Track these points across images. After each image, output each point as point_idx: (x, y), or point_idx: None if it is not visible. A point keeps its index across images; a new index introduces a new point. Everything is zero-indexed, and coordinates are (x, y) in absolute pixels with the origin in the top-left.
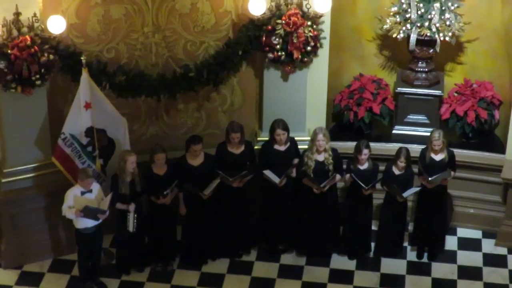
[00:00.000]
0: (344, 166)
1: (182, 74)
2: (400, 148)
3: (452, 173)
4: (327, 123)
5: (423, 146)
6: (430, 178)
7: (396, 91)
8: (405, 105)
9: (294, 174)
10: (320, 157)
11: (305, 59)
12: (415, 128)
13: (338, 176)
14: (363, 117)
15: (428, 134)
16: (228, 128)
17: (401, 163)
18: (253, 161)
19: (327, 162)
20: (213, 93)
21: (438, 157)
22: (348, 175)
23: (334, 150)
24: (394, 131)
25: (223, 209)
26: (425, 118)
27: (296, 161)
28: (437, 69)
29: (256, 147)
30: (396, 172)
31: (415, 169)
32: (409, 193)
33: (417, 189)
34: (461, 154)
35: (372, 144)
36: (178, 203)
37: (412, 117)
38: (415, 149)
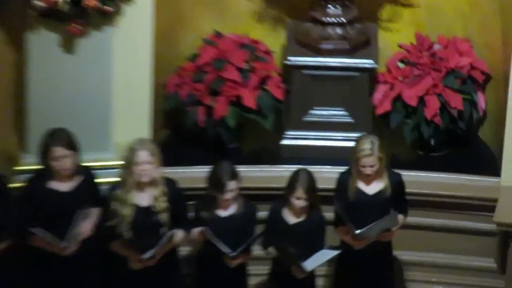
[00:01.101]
0: (192, 214)
1: None
2: (297, 173)
3: (401, 218)
4: (156, 132)
5: (342, 169)
6: (358, 231)
7: (287, 63)
8: (305, 91)
9: (86, 232)
10: (144, 199)
11: (108, 8)
12: (325, 134)
13: (179, 234)
14: (223, 118)
15: (351, 144)
16: None
17: (299, 201)
18: (6, 213)
19: (157, 208)
20: None
21: (372, 188)
22: (198, 230)
23: (170, 183)
24: (284, 142)
25: None
26: (344, 113)
27: (91, 210)
28: (366, 19)
29: (14, 185)
30: (291, 220)
31: (328, 213)
32: (316, 262)
33: (333, 253)
34: (416, 180)
35: (242, 169)
36: None
37: (319, 113)
38: (327, 174)
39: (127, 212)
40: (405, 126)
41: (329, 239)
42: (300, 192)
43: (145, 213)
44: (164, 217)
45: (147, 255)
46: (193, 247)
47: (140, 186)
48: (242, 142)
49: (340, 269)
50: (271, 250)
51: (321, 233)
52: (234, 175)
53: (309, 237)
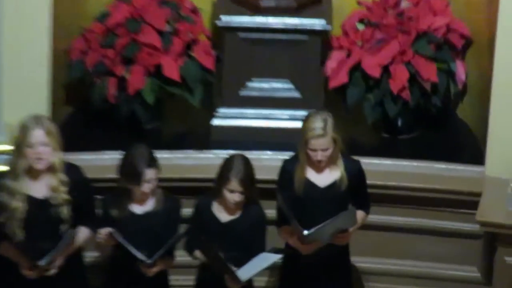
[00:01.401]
0: (100, 211)
1: None
2: (230, 160)
3: (361, 216)
4: (55, 109)
5: (287, 156)
6: (306, 232)
7: (219, 24)
8: (242, 58)
9: None
10: (39, 189)
11: None
12: (266, 112)
13: (83, 232)
14: (140, 92)
15: (298, 125)
16: None
17: (233, 194)
18: None
19: (55, 200)
20: None
21: (325, 178)
22: (106, 231)
23: (72, 169)
24: (215, 122)
25: None
26: (290, 86)
27: None
28: None
29: None
30: (223, 217)
31: (270, 210)
32: (253, 269)
33: (275, 257)
34: (379, 169)
35: (162, 156)
36: None
37: (259, 86)
38: (268, 162)
39: (17, 205)
40: (366, 103)
41: (270, 242)
42: (234, 183)
43: (40, 206)
44: (64, 211)
45: (44, 261)
46: (101, 252)
47: (34, 173)
48: (162, 122)
49: (285, 280)
50: (198, 254)
51: (260, 233)
52: (152, 162)
53: (246, 238)
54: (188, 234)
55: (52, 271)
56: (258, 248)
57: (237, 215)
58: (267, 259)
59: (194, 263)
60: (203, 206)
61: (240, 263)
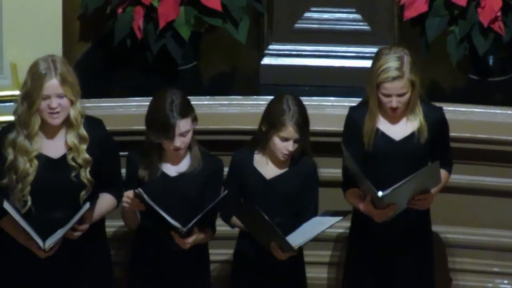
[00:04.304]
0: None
1: None
2: (280, 100)
3: (444, 175)
4: (69, 45)
5: (352, 102)
6: (381, 193)
7: None
8: None
9: None
10: (54, 147)
11: None
12: (328, 49)
13: (106, 201)
14: (172, 23)
15: (367, 63)
16: None
17: (287, 144)
18: None
19: (74, 161)
20: None
21: (400, 130)
22: (130, 193)
23: (94, 124)
24: (266, 61)
25: None
26: (357, 16)
27: None
28: None
29: None
30: (268, 172)
31: (331, 170)
32: (306, 235)
33: (332, 221)
34: (466, 119)
35: (200, 103)
36: None
37: (319, 17)
38: (331, 110)
39: (28, 166)
40: (450, 37)
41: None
42: (290, 129)
43: (56, 167)
44: (85, 175)
45: (48, 242)
46: (129, 222)
47: (49, 129)
48: (200, 61)
49: (352, 254)
50: (236, 221)
51: (313, 191)
52: (187, 111)
53: (295, 198)
54: (226, 198)
55: (75, 234)
56: (309, 210)
57: (284, 169)
58: (322, 223)
59: (232, 234)
60: (243, 161)
61: (287, 230)
